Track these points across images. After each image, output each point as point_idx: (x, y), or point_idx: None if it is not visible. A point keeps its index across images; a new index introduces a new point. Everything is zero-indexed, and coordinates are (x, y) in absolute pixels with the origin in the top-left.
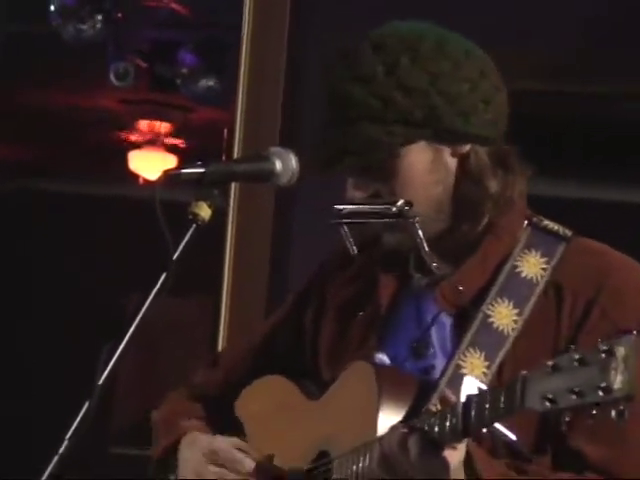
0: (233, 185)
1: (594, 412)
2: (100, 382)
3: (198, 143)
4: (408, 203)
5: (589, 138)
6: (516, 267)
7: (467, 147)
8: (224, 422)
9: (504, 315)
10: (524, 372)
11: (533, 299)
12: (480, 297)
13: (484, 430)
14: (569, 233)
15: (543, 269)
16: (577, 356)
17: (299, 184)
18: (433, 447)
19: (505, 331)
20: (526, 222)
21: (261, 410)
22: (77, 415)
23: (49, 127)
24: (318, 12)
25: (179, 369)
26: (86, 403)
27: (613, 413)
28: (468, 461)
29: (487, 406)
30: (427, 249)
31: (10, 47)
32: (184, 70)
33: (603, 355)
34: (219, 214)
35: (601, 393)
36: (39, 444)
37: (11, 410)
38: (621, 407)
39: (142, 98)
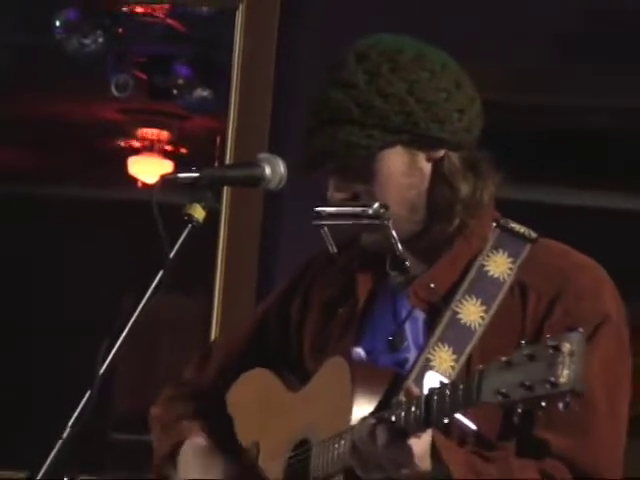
0: (225, 188)
1: (543, 404)
2: (101, 372)
3: (193, 149)
4: (383, 206)
5: (553, 147)
6: (484, 266)
7: (441, 152)
8: (220, 415)
9: (472, 312)
10: (480, 367)
11: (499, 297)
12: (450, 294)
13: (445, 421)
14: (534, 235)
15: (510, 269)
16: (527, 352)
17: (286, 188)
18: (398, 436)
19: (472, 327)
20: (494, 224)
21: (248, 402)
22: (79, 403)
23: (53, 135)
24: (305, 30)
25: (175, 360)
26: (88, 392)
27: (560, 405)
28: (434, 451)
29: (447, 399)
30: (401, 249)
31: (16, 59)
32: (180, 81)
33: (551, 351)
34: (212, 215)
35: (548, 386)
36: (44, 431)
37: (18, 399)
38: (567, 399)
39: (140, 108)
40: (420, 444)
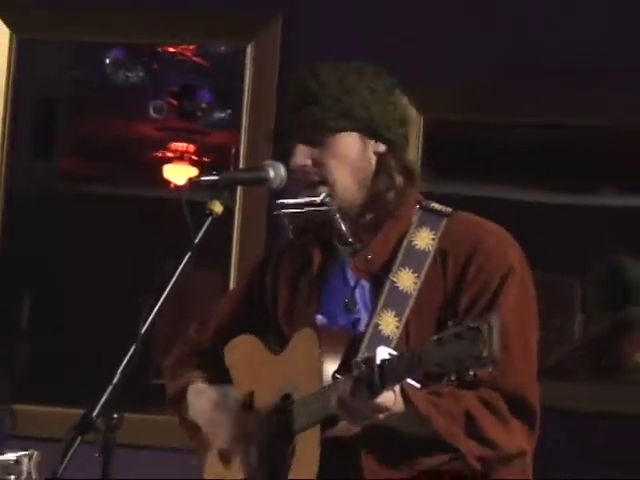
0: (239, 188)
1: (471, 373)
2: (143, 330)
3: (213, 158)
4: (328, 195)
5: (491, 154)
6: (412, 241)
7: (384, 148)
8: (216, 367)
9: (406, 279)
10: (420, 349)
11: (426, 265)
12: (388, 267)
13: (396, 386)
14: (449, 210)
15: (432, 239)
16: (455, 332)
17: (285, 188)
18: (373, 391)
19: (408, 292)
20: (418, 206)
21: (239, 361)
22: (126, 355)
23: (106, 148)
24: (301, 64)
25: (197, 320)
26: (132, 346)
27: (485, 373)
28: (403, 395)
29: (396, 370)
30: (344, 228)
31: (76, 89)
32: (203, 105)
33: (472, 332)
34: (228, 209)
35: (474, 360)
36: (98, 377)
37: (78, 352)
38: (490, 369)
39: (173, 126)
40: (391, 394)
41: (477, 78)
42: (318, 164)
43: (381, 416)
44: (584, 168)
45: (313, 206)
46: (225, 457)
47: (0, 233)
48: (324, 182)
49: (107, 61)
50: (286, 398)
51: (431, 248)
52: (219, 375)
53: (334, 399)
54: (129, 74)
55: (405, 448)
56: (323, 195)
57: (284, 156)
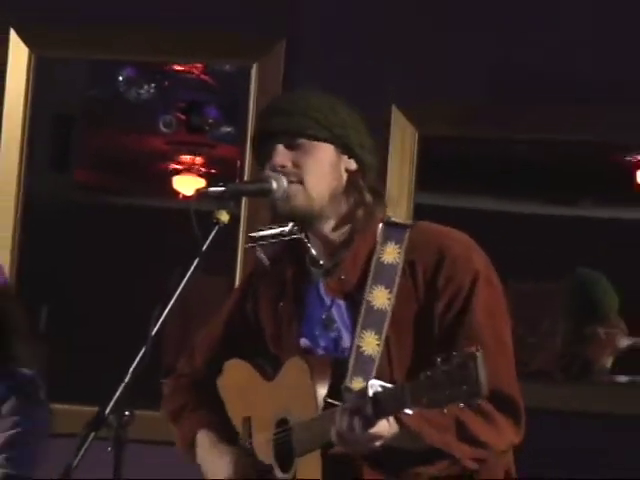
0: (244, 198)
1: (461, 405)
2: (153, 333)
3: (220, 170)
4: (295, 225)
5: (488, 169)
6: (380, 258)
7: (355, 167)
8: (210, 397)
9: (380, 297)
10: (410, 383)
11: (397, 279)
12: (360, 286)
13: (391, 417)
14: (410, 221)
15: (398, 253)
16: (443, 369)
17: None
18: (368, 423)
19: (384, 308)
20: (381, 224)
21: (232, 387)
22: (137, 356)
23: (118, 161)
24: (302, 82)
25: (203, 323)
26: (143, 347)
27: (474, 404)
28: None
29: (390, 403)
30: (314, 252)
31: (92, 105)
32: (210, 120)
33: (460, 368)
34: (234, 219)
35: (464, 395)
36: (112, 376)
37: (92, 353)
38: (479, 401)
39: (181, 140)
40: (385, 422)
41: (473, 94)
42: (297, 166)
43: (378, 443)
44: (576, 182)
45: (282, 236)
46: None
47: (18, 242)
48: (300, 182)
49: (120, 79)
50: (282, 422)
51: (399, 261)
52: (218, 407)
53: (333, 432)
54: (140, 91)
55: (405, 459)
56: (290, 226)
57: (266, 158)
